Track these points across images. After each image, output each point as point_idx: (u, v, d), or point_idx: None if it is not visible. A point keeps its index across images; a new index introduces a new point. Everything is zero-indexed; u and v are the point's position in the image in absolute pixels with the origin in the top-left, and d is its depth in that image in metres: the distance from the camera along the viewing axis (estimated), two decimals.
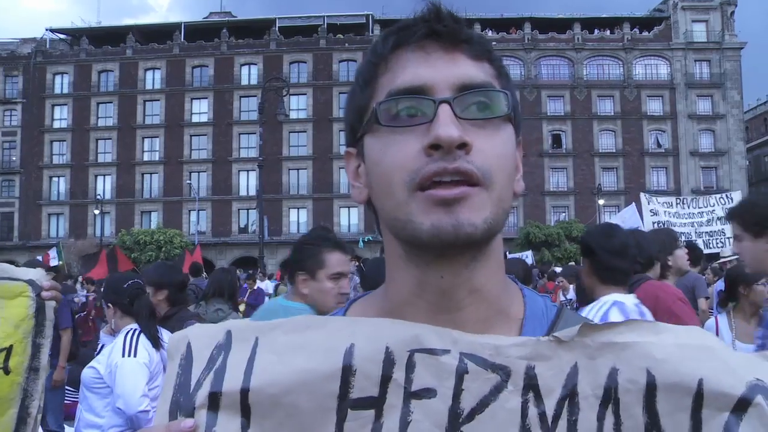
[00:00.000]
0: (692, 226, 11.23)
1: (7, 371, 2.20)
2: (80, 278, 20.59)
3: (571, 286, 12.04)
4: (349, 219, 55.05)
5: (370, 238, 50.34)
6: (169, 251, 44.63)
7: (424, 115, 0.84)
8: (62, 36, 62.27)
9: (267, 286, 16.63)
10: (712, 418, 0.73)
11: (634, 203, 13.79)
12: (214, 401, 0.78)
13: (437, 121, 0.81)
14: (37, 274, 2.29)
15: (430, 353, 0.77)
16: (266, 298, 12.52)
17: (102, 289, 4.76)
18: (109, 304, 4.27)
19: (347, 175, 0.99)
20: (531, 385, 0.75)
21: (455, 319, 0.83)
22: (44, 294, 2.26)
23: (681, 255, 4.40)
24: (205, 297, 5.92)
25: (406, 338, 0.78)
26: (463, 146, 0.81)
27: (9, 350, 2.20)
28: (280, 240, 51.96)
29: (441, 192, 0.81)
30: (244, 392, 0.77)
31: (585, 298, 10.03)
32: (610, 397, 0.74)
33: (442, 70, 0.86)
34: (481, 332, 0.81)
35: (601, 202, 47.85)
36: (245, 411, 0.77)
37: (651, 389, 0.74)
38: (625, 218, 13.76)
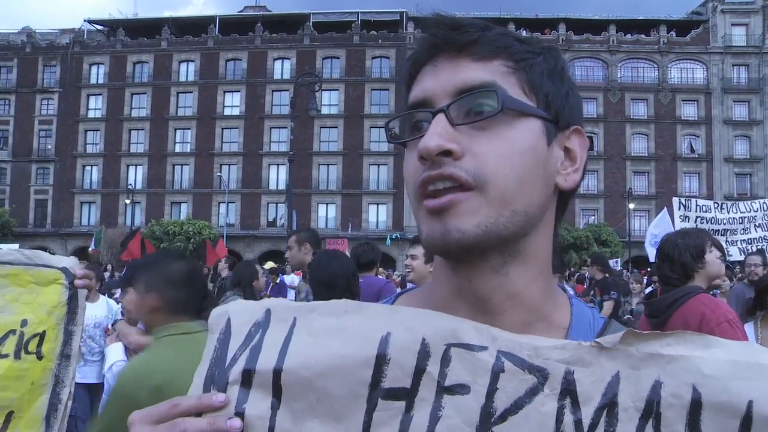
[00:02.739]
0: (724, 234, 10.98)
1: (39, 356, 2.23)
2: (109, 266, 20.87)
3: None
4: (377, 216, 55.11)
5: (398, 236, 50.38)
6: (197, 242, 45.07)
7: (429, 126, 0.85)
8: (99, 27, 63.17)
9: (292, 280, 16.69)
10: None
11: (666, 208, 13.53)
12: (247, 378, 0.78)
13: (426, 134, 0.83)
14: (71, 262, 2.32)
15: (467, 348, 0.75)
16: (291, 292, 12.56)
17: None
18: None
19: None
20: (569, 390, 0.73)
21: (494, 324, 0.80)
22: (77, 282, 2.28)
23: (712, 261, 3.79)
24: (228, 287, 6.22)
25: (444, 331, 0.76)
26: (448, 154, 0.82)
27: (42, 336, 2.23)
28: None
29: (429, 202, 0.83)
30: (277, 372, 0.77)
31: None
32: (651, 410, 0.71)
33: (443, 78, 0.88)
34: None
35: (631, 206, 47.34)
36: (277, 391, 0.77)
37: (696, 407, 0.70)
38: (658, 225, 13.54)
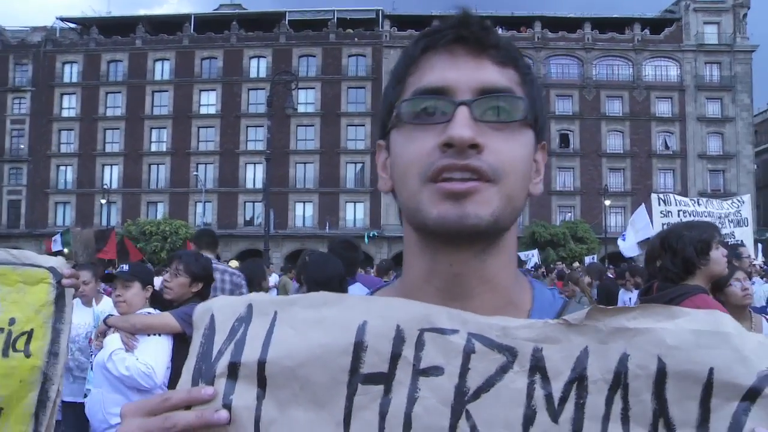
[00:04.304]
0: None
1: (27, 354, 2.25)
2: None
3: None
4: (354, 214, 55.12)
5: (375, 234, 50.47)
6: (174, 242, 44.75)
7: (443, 115, 0.89)
8: (72, 25, 62.42)
9: (273, 279, 16.70)
10: (721, 407, 0.73)
11: (644, 204, 13.66)
12: (233, 371, 0.81)
13: (453, 122, 0.87)
14: (58, 262, 2.34)
15: (440, 332, 0.79)
16: (274, 291, 12.61)
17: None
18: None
19: (377, 166, 1.05)
20: (537, 366, 0.76)
21: (465, 307, 0.85)
22: (64, 281, 2.31)
23: (717, 258, 3.56)
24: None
25: (417, 317, 0.80)
26: (475, 147, 0.87)
27: (30, 334, 2.25)
28: (286, 233, 52.10)
29: (450, 186, 0.87)
30: (261, 363, 0.80)
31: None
32: (619, 382, 0.75)
33: (466, 73, 0.92)
34: None
35: (607, 202, 47.82)
36: (261, 381, 0.80)
37: (661, 376, 0.74)
38: (635, 222, 13.65)
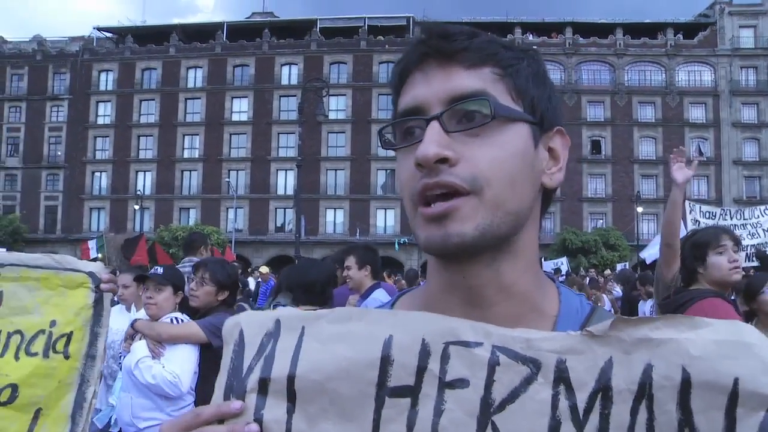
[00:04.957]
0: None
1: (66, 356, 2.33)
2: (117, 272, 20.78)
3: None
4: (385, 221, 55.14)
5: (406, 240, 50.38)
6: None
7: (422, 133, 0.89)
8: (108, 34, 63.52)
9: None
10: (747, 417, 0.73)
11: None
12: (263, 386, 0.83)
13: (422, 141, 0.87)
14: (97, 267, 2.42)
15: (464, 345, 0.80)
16: None
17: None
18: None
19: None
20: (562, 378, 0.77)
21: (486, 316, 0.86)
22: (103, 286, 2.39)
23: (715, 263, 3.64)
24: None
25: (442, 331, 0.81)
26: (445, 161, 0.86)
27: (69, 336, 2.33)
28: (316, 239, 52.29)
29: (428, 210, 0.88)
30: (291, 378, 0.82)
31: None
32: (644, 392, 0.75)
33: (435, 86, 0.91)
34: (513, 328, 0.83)
35: (639, 209, 47.22)
36: (291, 396, 0.82)
37: (686, 386, 0.74)
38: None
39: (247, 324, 0.88)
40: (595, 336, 0.78)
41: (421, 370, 0.80)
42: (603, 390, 0.76)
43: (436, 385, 0.79)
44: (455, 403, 0.78)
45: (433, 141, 0.86)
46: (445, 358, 0.80)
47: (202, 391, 4.03)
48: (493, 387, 0.78)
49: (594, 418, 0.76)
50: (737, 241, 3.77)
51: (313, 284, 4.44)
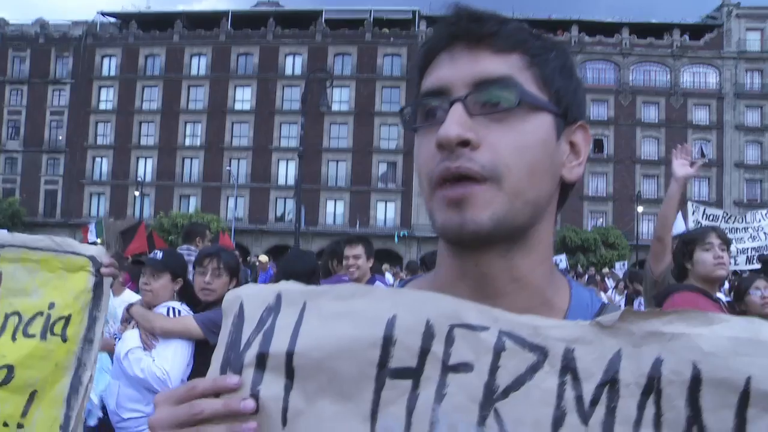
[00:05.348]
0: (732, 243, 10.84)
1: (64, 339, 2.30)
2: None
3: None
4: (385, 213, 55.17)
5: (406, 233, 50.45)
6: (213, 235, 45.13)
7: (444, 114, 0.88)
8: (112, 19, 63.40)
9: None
10: (759, 418, 0.71)
11: (680, 213, 13.47)
12: (261, 361, 0.81)
13: (445, 121, 0.86)
14: (98, 251, 2.39)
15: (470, 329, 0.78)
16: None
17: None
18: None
19: None
20: (569, 367, 0.75)
21: (496, 306, 0.82)
22: (103, 270, 2.36)
23: (699, 259, 3.80)
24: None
25: (447, 312, 0.79)
26: (467, 143, 0.85)
27: (68, 319, 2.30)
28: (316, 230, 52.31)
29: (447, 192, 0.86)
30: (290, 355, 0.80)
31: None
32: (652, 387, 0.73)
33: (461, 69, 0.90)
34: None
35: (640, 209, 47.23)
36: (289, 373, 0.80)
37: (696, 383, 0.72)
38: (674, 230, 13.46)
39: (248, 297, 0.86)
40: (605, 327, 0.76)
41: (424, 352, 0.78)
42: (610, 382, 0.74)
43: (439, 368, 0.77)
44: (458, 387, 0.76)
45: (456, 122, 0.85)
46: (449, 340, 0.77)
47: None
48: (498, 373, 0.76)
49: (600, 411, 0.74)
50: (725, 241, 3.92)
51: (297, 275, 4.43)
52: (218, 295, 4.00)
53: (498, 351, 0.76)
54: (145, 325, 3.80)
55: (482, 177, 0.85)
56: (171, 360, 3.71)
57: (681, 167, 4.24)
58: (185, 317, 3.89)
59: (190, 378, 3.76)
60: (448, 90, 0.89)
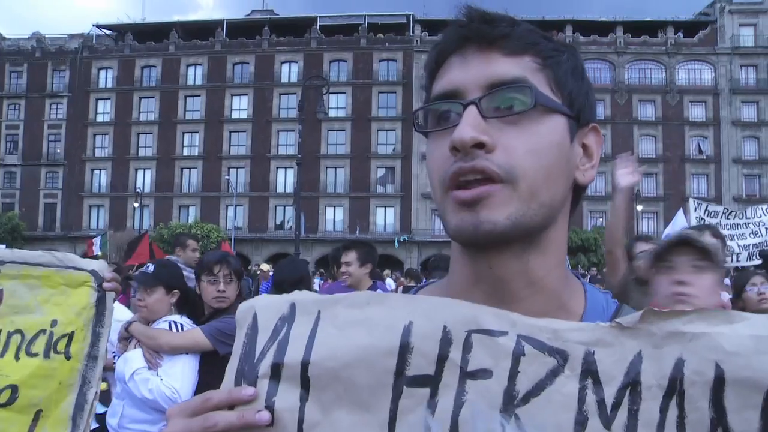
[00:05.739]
0: (732, 239, 10.85)
1: (68, 356, 2.28)
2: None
3: None
4: (385, 219, 55.09)
5: (406, 238, 50.39)
6: (205, 245, 45.13)
7: (458, 117, 0.87)
8: (108, 32, 63.42)
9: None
10: None
11: (681, 209, 13.46)
12: (276, 372, 0.79)
13: (459, 124, 0.85)
14: (100, 266, 2.38)
15: (488, 334, 0.76)
16: None
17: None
18: None
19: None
20: (589, 371, 0.74)
21: (513, 311, 0.81)
22: (106, 285, 2.34)
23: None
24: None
25: (465, 318, 0.78)
26: (482, 146, 0.84)
27: (71, 336, 2.29)
28: (316, 237, 52.25)
29: (461, 193, 0.85)
30: (305, 365, 0.79)
31: None
32: (675, 388, 0.72)
33: (474, 71, 0.89)
34: None
35: (639, 208, 47.17)
36: (305, 383, 0.79)
37: (719, 383, 0.70)
38: (675, 227, 13.44)
39: (262, 308, 0.85)
40: (625, 328, 0.75)
41: (441, 358, 0.77)
42: (632, 385, 0.73)
43: (457, 375, 0.76)
44: (477, 394, 0.75)
45: (471, 125, 0.84)
46: (467, 346, 0.76)
47: None
48: (518, 378, 0.75)
49: (622, 414, 0.72)
50: (721, 239, 3.91)
51: (286, 283, 4.48)
52: (231, 302, 3.90)
53: (517, 356, 0.75)
54: (149, 343, 3.63)
55: (498, 177, 0.84)
56: (180, 378, 3.57)
57: (624, 176, 4.02)
58: (192, 330, 3.73)
59: (196, 391, 3.63)
60: (461, 93, 0.89)
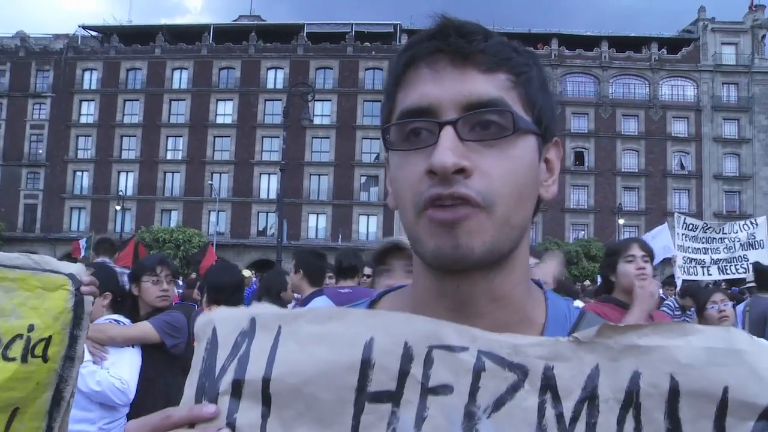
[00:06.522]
0: (707, 253, 11.00)
1: (45, 359, 2.27)
2: None
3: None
4: (367, 227, 55.09)
5: None
6: (187, 250, 44.89)
7: (431, 135, 0.84)
8: (94, 33, 63.10)
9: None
10: (737, 427, 0.71)
11: (665, 224, 13.56)
12: (237, 388, 0.78)
13: (437, 146, 0.82)
14: (78, 269, 2.35)
15: (449, 350, 0.76)
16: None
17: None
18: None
19: (386, 181, 0.99)
20: (549, 385, 0.74)
21: (477, 326, 0.80)
22: (83, 288, 2.32)
23: (622, 272, 3.67)
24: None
25: (426, 334, 0.77)
26: (461, 171, 0.82)
27: (48, 340, 2.27)
28: (298, 244, 52.12)
29: (440, 214, 0.83)
30: (266, 381, 0.78)
31: None
32: (631, 401, 0.73)
33: (449, 88, 0.85)
34: None
35: (621, 221, 47.58)
36: (266, 400, 0.78)
37: (674, 395, 0.72)
38: (655, 235, 13.57)
39: (221, 322, 0.83)
40: (582, 342, 0.75)
41: (403, 374, 0.76)
42: (589, 398, 0.74)
43: (418, 391, 0.76)
44: (438, 409, 0.75)
45: (450, 149, 0.81)
46: (428, 362, 0.76)
47: (151, 395, 3.81)
48: (478, 394, 0.75)
49: (580, 427, 0.73)
50: (648, 252, 3.81)
51: (224, 287, 4.61)
52: (170, 301, 4.29)
53: (478, 371, 0.75)
54: (100, 336, 3.72)
55: (477, 203, 0.82)
56: (128, 368, 3.70)
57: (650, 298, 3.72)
58: (141, 324, 3.95)
59: (139, 389, 3.80)
60: (436, 111, 0.85)
